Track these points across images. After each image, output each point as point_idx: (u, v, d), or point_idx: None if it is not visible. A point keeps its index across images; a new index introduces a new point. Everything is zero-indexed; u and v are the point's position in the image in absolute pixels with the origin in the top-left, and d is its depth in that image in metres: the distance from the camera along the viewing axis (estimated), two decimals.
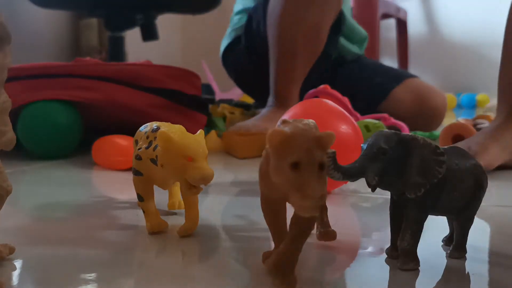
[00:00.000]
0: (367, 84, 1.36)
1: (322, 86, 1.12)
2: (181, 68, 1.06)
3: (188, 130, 1.02)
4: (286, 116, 0.63)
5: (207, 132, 1.08)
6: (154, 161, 0.47)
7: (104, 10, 2.01)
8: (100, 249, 0.46)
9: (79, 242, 0.48)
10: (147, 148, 0.49)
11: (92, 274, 0.40)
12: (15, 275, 0.40)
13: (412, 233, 0.41)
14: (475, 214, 0.44)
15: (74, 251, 0.46)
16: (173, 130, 0.47)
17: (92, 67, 0.99)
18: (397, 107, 1.31)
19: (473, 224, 0.44)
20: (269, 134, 0.34)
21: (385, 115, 1.17)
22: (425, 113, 1.32)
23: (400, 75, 1.39)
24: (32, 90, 0.93)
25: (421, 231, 0.41)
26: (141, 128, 0.53)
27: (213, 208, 0.62)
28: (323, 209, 0.48)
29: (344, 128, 0.61)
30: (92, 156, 0.90)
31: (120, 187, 0.74)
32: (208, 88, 2.11)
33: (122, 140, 0.88)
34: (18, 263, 0.42)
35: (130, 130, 0.82)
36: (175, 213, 0.58)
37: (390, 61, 2.72)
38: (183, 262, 0.44)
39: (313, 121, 0.44)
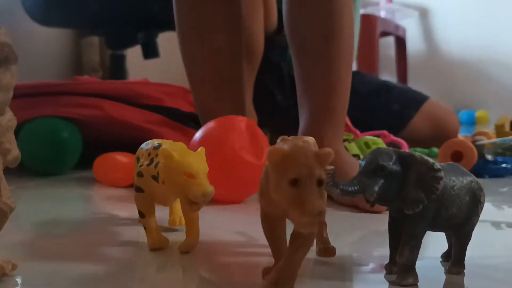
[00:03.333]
0: (384, 113, 1.31)
1: None
2: (178, 86, 1.08)
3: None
4: (200, 131, 0.71)
5: None
6: (155, 178, 0.48)
7: (105, 28, 2.03)
8: (101, 265, 0.46)
9: (80, 258, 0.48)
10: (148, 165, 0.49)
11: None
12: None
13: (410, 248, 0.41)
14: (473, 230, 0.45)
15: (74, 267, 0.46)
16: (175, 148, 0.48)
17: (91, 85, 1.00)
18: (415, 135, 1.29)
19: (471, 240, 0.45)
20: (268, 151, 0.34)
21: (385, 132, 1.16)
22: (441, 137, 1.29)
23: (415, 100, 1.35)
24: (31, 107, 0.94)
25: (420, 246, 0.42)
26: (143, 145, 0.54)
27: (214, 223, 0.63)
28: (323, 225, 0.48)
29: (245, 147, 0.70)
30: (94, 173, 0.90)
31: (121, 204, 0.75)
32: None
33: (123, 157, 0.88)
34: (19, 279, 0.43)
35: (128, 146, 0.83)
36: (176, 230, 0.58)
37: (389, 78, 2.74)
38: (184, 278, 0.44)
39: (312, 138, 0.45)
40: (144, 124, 0.99)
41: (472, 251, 0.46)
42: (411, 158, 0.41)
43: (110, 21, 1.96)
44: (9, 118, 0.35)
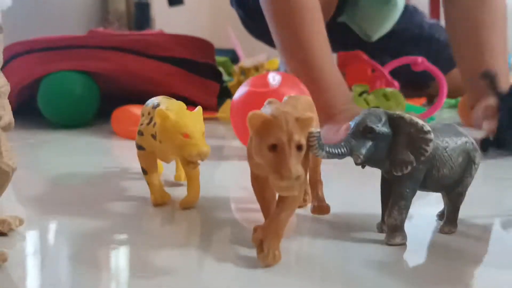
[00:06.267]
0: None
1: (355, 52, 1.10)
2: (193, 36, 1.08)
3: (200, 98, 1.03)
4: (241, 89, 0.70)
5: (223, 101, 1.09)
6: (154, 136, 0.49)
7: None
8: (106, 220, 0.48)
9: (86, 213, 0.51)
10: (148, 124, 0.50)
11: (96, 242, 0.43)
12: (22, 246, 0.43)
13: (399, 209, 0.42)
14: (466, 190, 0.45)
15: (80, 221, 0.48)
16: (171, 108, 0.48)
17: (105, 38, 1.01)
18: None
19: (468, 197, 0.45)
20: (249, 117, 0.35)
21: (418, 58, 1.07)
22: None
23: None
24: (48, 62, 0.96)
25: (409, 207, 0.42)
26: (147, 102, 0.55)
27: (222, 178, 0.64)
28: (319, 184, 0.49)
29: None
30: (112, 126, 0.93)
31: (133, 157, 0.77)
32: (233, 54, 2.12)
33: (138, 110, 0.90)
34: (26, 234, 0.45)
35: (145, 98, 0.85)
36: (181, 184, 0.60)
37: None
38: (180, 234, 0.46)
39: (307, 97, 0.45)
40: (158, 76, 1.00)
41: (468, 209, 0.46)
42: (401, 120, 0.41)
43: None
44: (2, 84, 0.37)
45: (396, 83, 1.07)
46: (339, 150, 0.40)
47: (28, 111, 1.01)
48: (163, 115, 0.47)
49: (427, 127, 0.40)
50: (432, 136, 0.40)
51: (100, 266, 0.39)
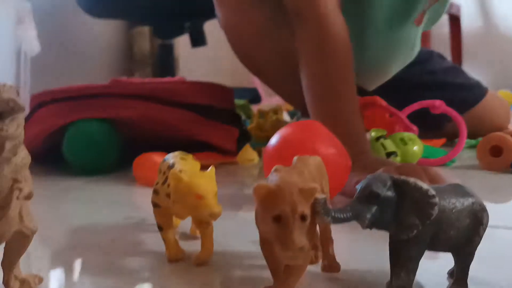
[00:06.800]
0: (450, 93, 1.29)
1: (372, 97, 1.12)
2: (213, 83, 1.11)
3: (221, 143, 1.05)
4: (275, 137, 0.70)
5: (242, 145, 1.11)
6: (168, 195, 0.51)
7: (153, 18, 2.08)
8: (122, 277, 0.50)
9: (103, 269, 0.52)
10: (163, 184, 0.52)
11: None
12: None
13: (406, 271, 0.42)
14: (475, 250, 0.45)
15: (97, 279, 0.50)
16: (185, 168, 0.50)
17: (127, 86, 1.05)
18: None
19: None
20: (254, 188, 0.36)
21: (436, 102, 1.07)
22: (488, 130, 1.23)
23: (479, 89, 1.35)
24: (72, 111, 1.01)
25: (416, 269, 0.43)
26: (165, 157, 0.57)
27: (232, 232, 0.65)
28: (329, 242, 0.50)
29: (330, 151, 0.69)
30: (133, 173, 0.95)
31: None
32: (255, 92, 2.15)
33: (160, 158, 0.92)
34: None
35: (166, 145, 0.87)
36: (197, 238, 0.61)
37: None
38: None
39: (317, 158, 0.46)
40: (179, 123, 1.02)
41: (479, 264, 0.46)
42: (406, 185, 0.42)
43: (157, 11, 2.01)
44: (23, 157, 0.39)
45: (414, 127, 1.08)
46: (344, 215, 0.41)
47: (53, 158, 1.05)
48: (177, 177, 0.49)
49: (431, 192, 0.41)
50: (437, 200, 0.41)
51: None
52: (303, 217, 0.36)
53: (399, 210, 0.42)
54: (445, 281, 0.48)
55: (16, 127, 0.35)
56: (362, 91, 1.23)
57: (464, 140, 1.05)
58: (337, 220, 0.40)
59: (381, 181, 0.42)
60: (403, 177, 0.42)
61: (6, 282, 0.46)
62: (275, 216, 0.35)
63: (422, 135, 1.09)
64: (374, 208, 0.41)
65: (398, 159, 0.97)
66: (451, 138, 1.33)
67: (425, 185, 0.42)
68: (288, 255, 0.35)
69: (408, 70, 1.30)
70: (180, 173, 0.49)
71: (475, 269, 0.45)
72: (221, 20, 1.10)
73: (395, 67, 1.27)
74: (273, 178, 0.38)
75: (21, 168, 0.39)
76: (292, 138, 0.71)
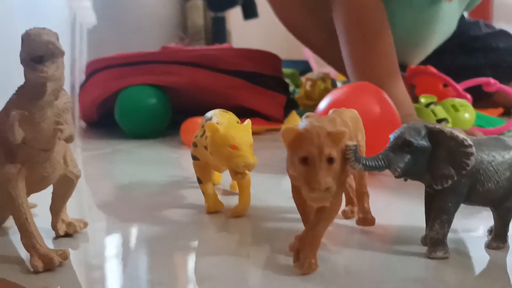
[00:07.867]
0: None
1: (424, 66, 1.10)
2: (261, 50, 1.11)
3: (267, 110, 1.05)
4: (325, 100, 0.69)
5: (289, 112, 1.11)
6: (206, 148, 0.52)
7: None
8: (163, 226, 0.52)
9: (146, 219, 0.54)
10: (201, 136, 0.53)
11: (152, 248, 0.46)
12: (85, 247, 0.47)
13: (441, 222, 0.42)
14: None
15: (139, 227, 0.52)
16: (222, 121, 0.51)
17: (176, 53, 1.07)
18: None
19: None
20: (282, 131, 0.37)
21: (490, 80, 1.04)
22: None
23: None
24: (124, 77, 1.03)
25: (451, 221, 0.42)
26: (206, 114, 0.58)
27: (271, 187, 0.66)
28: (365, 196, 0.50)
29: (380, 110, 0.68)
30: (181, 137, 0.97)
31: None
32: (306, 65, 2.13)
33: None
34: (89, 236, 0.49)
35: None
36: (236, 194, 0.63)
37: (505, 27, 2.53)
38: (228, 241, 0.48)
39: (353, 110, 0.46)
40: (226, 89, 1.03)
41: None
42: (441, 133, 0.41)
43: None
44: (65, 101, 0.41)
45: (468, 96, 1.04)
46: (376, 163, 0.40)
47: (107, 122, 1.08)
48: (213, 128, 0.49)
49: (468, 141, 0.40)
50: (473, 150, 0.40)
51: (154, 272, 0.42)
52: (330, 160, 0.36)
53: (433, 159, 0.41)
54: (484, 238, 0.47)
55: (56, 69, 0.37)
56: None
57: None
58: (368, 168, 0.40)
59: (415, 129, 0.41)
60: (438, 126, 0.41)
61: (53, 225, 0.49)
62: (301, 157, 0.35)
63: (476, 105, 1.05)
64: (407, 157, 0.41)
65: (449, 126, 0.94)
66: (508, 109, 1.28)
67: (461, 135, 0.41)
68: (314, 196, 0.35)
69: (450, 39, 1.27)
70: (216, 124, 0.50)
71: None
72: None
73: (432, 43, 1.23)
74: (302, 124, 0.38)
75: (63, 112, 0.41)
76: (343, 98, 0.70)
